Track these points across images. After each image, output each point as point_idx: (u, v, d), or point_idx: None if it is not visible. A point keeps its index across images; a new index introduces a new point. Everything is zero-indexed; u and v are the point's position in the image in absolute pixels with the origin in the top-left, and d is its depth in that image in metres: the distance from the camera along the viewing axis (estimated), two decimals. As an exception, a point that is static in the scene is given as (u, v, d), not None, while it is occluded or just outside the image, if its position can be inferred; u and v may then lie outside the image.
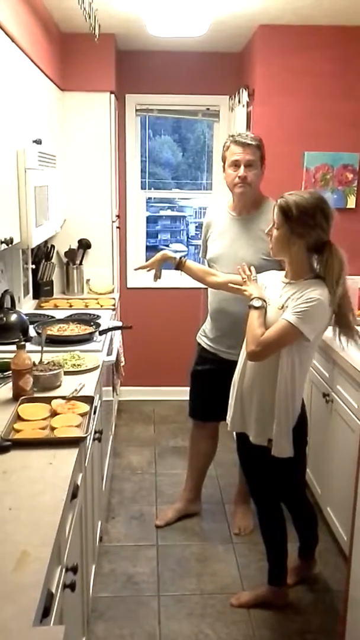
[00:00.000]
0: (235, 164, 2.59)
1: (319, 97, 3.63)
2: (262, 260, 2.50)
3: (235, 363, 2.39)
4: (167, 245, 5.39)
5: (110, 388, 3.18)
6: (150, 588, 2.57)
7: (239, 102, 3.84)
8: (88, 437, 1.91)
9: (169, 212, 6.58)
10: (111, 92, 3.82)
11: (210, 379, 2.84)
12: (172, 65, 4.19)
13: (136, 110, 4.32)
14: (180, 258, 2.61)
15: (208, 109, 4.35)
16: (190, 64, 4.19)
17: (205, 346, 2.85)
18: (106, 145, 3.88)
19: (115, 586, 2.58)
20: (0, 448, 1.69)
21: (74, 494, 1.67)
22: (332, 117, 3.64)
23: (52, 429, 1.84)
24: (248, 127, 3.72)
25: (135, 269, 2.83)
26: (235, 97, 3.99)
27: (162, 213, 6.44)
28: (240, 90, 3.81)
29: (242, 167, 2.58)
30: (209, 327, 2.84)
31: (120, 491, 3.32)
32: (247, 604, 2.46)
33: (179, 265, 2.60)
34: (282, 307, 2.11)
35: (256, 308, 2.16)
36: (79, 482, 1.80)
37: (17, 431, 1.82)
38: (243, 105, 3.75)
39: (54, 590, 1.33)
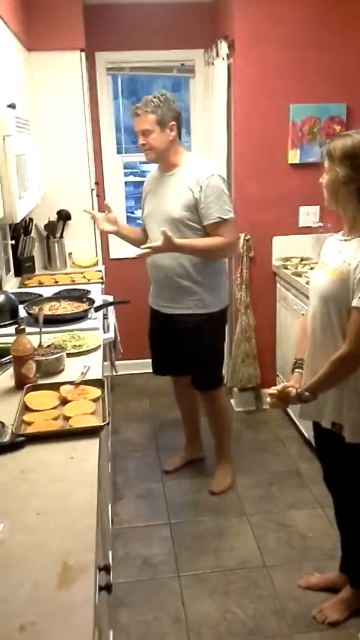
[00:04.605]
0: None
1: (302, 47, 3.45)
2: (184, 212, 2.64)
3: (173, 316, 2.69)
4: (132, 213, 5.24)
5: (109, 364, 3.04)
6: (168, 569, 2.49)
7: (217, 54, 3.62)
8: (107, 426, 1.77)
9: (131, 178, 6.33)
10: (81, 50, 3.57)
11: (159, 336, 3.01)
12: (142, 19, 3.92)
13: (107, 69, 4.07)
14: None
15: (183, 64, 4.12)
16: (161, 16, 3.93)
17: (150, 304, 2.98)
18: (79, 108, 3.64)
19: (132, 570, 2.48)
20: (14, 445, 1.54)
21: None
22: (316, 67, 3.47)
23: (66, 418, 1.70)
24: (229, 80, 3.53)
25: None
26: (212, 50, 3.77)
27: (126, 179, 6.21)
28: (218, 42, 3.59)
29: (140, 136, 2.69)
30: (151, 285, 2.94)
31: (123, 470, 3.21)
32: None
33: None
34: (331, 268, 1.87)
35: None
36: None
37: (28, 424, 1.67)
38: (223, 58, 3.54)
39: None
